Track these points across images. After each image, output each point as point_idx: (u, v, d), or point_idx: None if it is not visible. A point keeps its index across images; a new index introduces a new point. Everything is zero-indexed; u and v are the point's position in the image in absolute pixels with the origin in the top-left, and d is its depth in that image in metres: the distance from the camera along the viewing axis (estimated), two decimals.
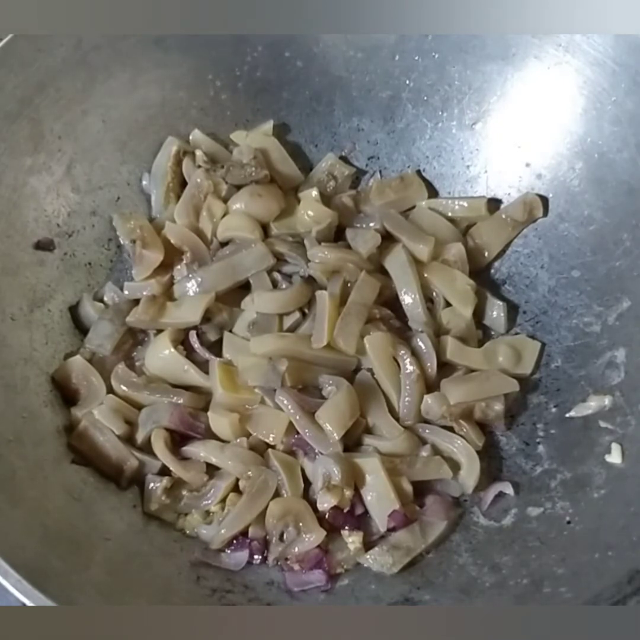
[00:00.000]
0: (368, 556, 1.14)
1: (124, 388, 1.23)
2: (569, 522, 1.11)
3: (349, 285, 1.28)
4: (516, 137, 1.37)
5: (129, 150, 1.38)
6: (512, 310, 1.36)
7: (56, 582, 0.94)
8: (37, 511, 1.03)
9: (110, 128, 1.35)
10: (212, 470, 1.20)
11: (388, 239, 1.35)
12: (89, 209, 1.34)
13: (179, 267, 1.32)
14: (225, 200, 1.36)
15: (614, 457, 1.14)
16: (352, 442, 1.21)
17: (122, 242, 1.35)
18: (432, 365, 1.25)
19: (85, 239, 1.34)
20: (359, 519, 1.17)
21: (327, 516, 1.15)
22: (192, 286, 1.29)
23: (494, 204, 1.39)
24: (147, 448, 1.21)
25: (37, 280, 1.26)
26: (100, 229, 1.36)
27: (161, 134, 1.39)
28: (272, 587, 1.12)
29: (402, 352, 1.23)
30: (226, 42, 1.37)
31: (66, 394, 1.24)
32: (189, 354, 1.26)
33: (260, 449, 1.20)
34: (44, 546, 0.99)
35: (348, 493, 1.14)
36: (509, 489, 1.20)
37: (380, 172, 1.46)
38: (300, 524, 1.14)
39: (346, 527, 1.16)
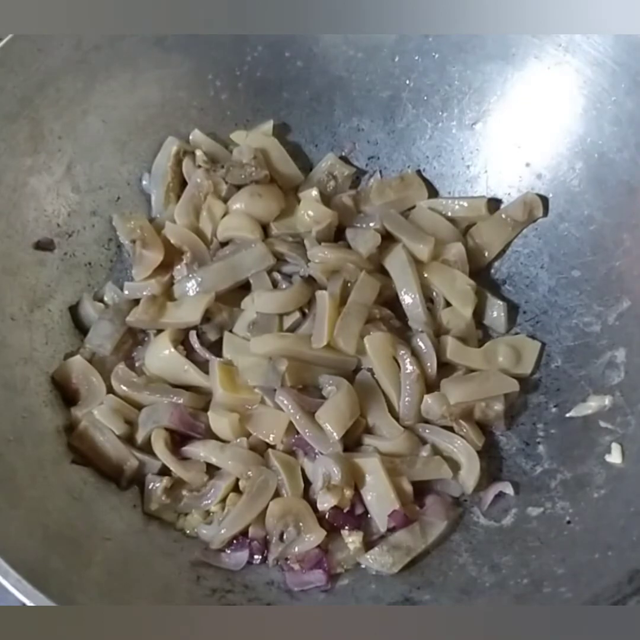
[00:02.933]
0: (368, 556, 1.14)
1: (124, 388, 1.23)
2: (569, 522, 1.11)
3: (349, 285, 1.27)
4: (516, 137, 1.36)
5: (129, 150, 1.38)
6: (512, 310, 1.35)
7: (56, 582, 0.94)
8: (37, 511, 1.03)
9: (110, 128, 1.34)
10: (212, 470, 1.20)
11: (388, 239, 1.35)
12: (89, 209, 1.34)
13: (179, 267, 1.32)
14: (225, 200, 1.36)
15: (614, 457, 1.14)
16: (352, 442, 1.21)
17: (122, 241, 1.35)
18: (432, 365, 1.25)
19: (85, 239, 1.34)
20: (359, 519, 1.17)
21: (327, 516, 1.15)
22: (192, 286, 1.28)
23: (494, 204, 1.39)
24: (147, 448, 1.20)
25: (37, 281, 1.26)
26: (100, 229, 1.35)
27: (161, 134, 1.39)
28: (272, 587, 1.12)
29: (402, 352, 1.23)
30: (226, 42, 1.37)
31: (66, 394, 1.24)
32: (189, 354, 1.26)
33: (260, 449, 1.20)
34: (44, 546, 0.99)
35: (348, 493, 1.14)
36: (509, 489, 1.19)
37: (380, 172, 1.46)
38: (300, 524, 1.14)
39: (346, 527, 1.15)
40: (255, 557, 1.14)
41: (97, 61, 1.30)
